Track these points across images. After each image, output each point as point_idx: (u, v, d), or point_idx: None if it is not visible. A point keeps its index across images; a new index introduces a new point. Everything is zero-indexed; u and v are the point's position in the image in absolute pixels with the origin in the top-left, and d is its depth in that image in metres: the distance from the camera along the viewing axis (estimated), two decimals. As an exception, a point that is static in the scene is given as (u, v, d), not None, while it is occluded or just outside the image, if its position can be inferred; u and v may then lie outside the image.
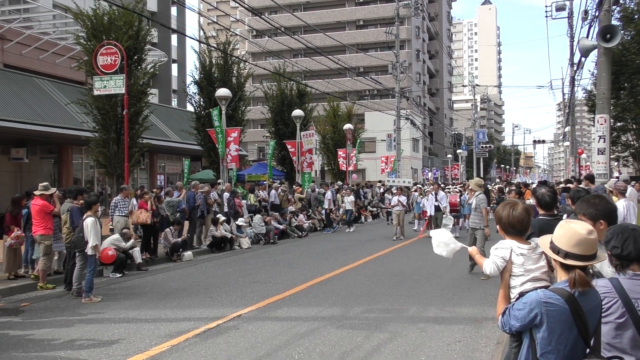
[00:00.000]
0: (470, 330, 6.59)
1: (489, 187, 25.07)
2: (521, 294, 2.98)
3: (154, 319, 7.28)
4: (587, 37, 15.23)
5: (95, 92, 15.15)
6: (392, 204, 18.86)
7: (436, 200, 17.55)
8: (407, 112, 43.10)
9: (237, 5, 32.36)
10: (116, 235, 11.59)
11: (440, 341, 6.13)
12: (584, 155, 41.80)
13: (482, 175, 54.76)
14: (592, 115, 17.12)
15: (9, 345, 6.18)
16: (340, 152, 29.03)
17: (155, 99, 31.88)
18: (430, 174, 51.74)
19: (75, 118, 21.13)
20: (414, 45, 60.94)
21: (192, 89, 24.67)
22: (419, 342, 6.11)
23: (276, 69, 29.51)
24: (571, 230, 2.51)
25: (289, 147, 25.23)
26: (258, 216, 17.19)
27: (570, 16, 31.29)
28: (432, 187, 19.72)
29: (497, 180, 53.56)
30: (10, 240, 9.90)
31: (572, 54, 30.14)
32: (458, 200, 17.77)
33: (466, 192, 18.82)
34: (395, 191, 19.64)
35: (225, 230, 15.36)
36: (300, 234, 18.70)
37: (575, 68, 28.20)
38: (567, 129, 39.21)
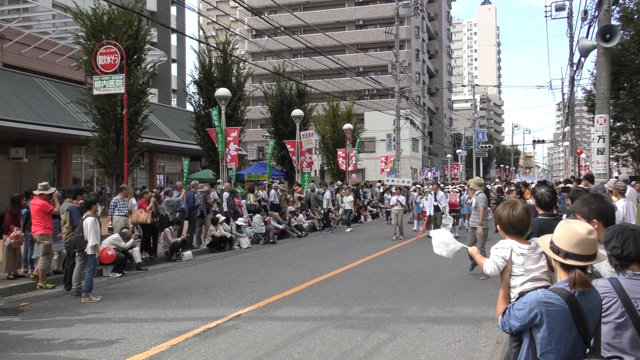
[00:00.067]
0: (470, 330, 6.59)
1: (488, 187, 25.05)
2: (521, 294, 2.98)
3: (154, 319, 7.28)
4: (587, 37, 15.23)
5: (95, 92, 15.15)
6: (391, 204, 18.86)
7: (435, 200, 17.55)
8: (407, 111, 43.09)
9: (236, 4, 32.36)
10: (116, 235, 11.59)
11: (440, 341, 6.13)
12: (583, 155, 41.78)
13: (481, 175, 54.72)
14: (592, 115, 17.12)
15: (9, 345, 6.17)
16: (340, 152, 29.02)
17: (155, 99, 31.87)
18: (429, 173, 51.74)
19: (74, 118, 21.13)
20: (414, 45, 60.94)
21: (192, 88, 24.68)
22: (418, 341, 6.11)
23: (276, 68, 29.50)
24: (571, 230, 2.52)
25: (288, 146, 25.22)
26: (258, 216, 17.19)
27: (569, 16, 31.31)
28: (431, 187, 19.73)
29: (497, 180, 53.57)
30: (10, 240, 9.90)
31: (571, 54, 30.17)
32: (458, 200, 17.77)
33: (465, 192, 18.85)
34: (394, 191, 19.63)
35: (225, 230, 15.35)
36: (299, 233, 18.70)
37: (574, 68, 28.22)
38: (567, 128, 39.23)
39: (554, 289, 2.52)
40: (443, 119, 74.53)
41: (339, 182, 27.06)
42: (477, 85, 75.18)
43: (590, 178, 11.31)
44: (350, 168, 28.62)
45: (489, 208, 12.11)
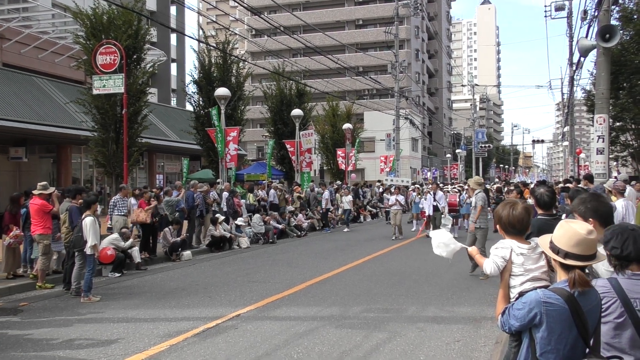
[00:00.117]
0: (469, 329, 6.59)
1: (487, 186, 25.05)
2: (521, 294, 2.98)
3: (153, 319, 7.28)
4: (586, 37, 15.23)
5: (95, 92, 15.15)
6: (390, 204, 18.87)
7: (434, 200, 17.55)
8: (406, 111, 43.11)
9: (236, 4, 32.35)
10: (115, 235, 11.58)
11: (440, 341, 6.13)
12: (582, 155, 41.81)
13: (481, 175, 54.72)
14: (591, 115, 17.11)
15: (8, 344, 6.17)
16: (340, 152, 29.03)
17: (155, 99, 31.85)
18: (429, 173, 51.73)
19: (74, 117, 21.12)
20: (413, 44, 60.95)
21: (191, 88, 24.70)
22: (418, 341, 6.11)
23: (275, 68, 29.52)
24: (571, 230, 2.51)
25: (288, 146, 25.22)
26: (257, 216, 17.18)
27: (569, 16, 31.33)
28: (430, 186, 19.73)
29: (496, 180, 53.58)
30: (9, 240, 9.89)
31: (571, 54, 30.18)
32: (457, 200, 17.77)
33: (464, 192, 18.86)
34: (393, 190, 19.64)
35: (224, 230, 15.35)
36: (299, 233, 18.70)
37: (574, 68, 28.25)
38: (566, 128, 39.28)
39: (553, 289, 2.52)
40: (442, 118, 74.55)
41: (339, 182, 27.06)
42: (476, 85, 75.27)
43: (589, 178, 11.30)
44: (350, 168, 28.63)
45: (488, 208, 12.10)
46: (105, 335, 6.49)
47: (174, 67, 40.74)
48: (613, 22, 14.76)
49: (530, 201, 5.37)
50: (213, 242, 14.84)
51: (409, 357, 5.60)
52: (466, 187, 19.23)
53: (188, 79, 26.15)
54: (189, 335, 6.37)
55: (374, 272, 10.91)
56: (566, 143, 40.20)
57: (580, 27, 37.94)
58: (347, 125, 28.94)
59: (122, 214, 12.68)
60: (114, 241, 11.16)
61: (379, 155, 40.35)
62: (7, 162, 21.50)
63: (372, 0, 61.51)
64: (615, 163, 30.91)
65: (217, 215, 15.46)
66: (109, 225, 13.23)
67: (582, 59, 23.05)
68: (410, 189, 23.56)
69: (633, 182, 11.97)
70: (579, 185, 11.23)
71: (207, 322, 6.93)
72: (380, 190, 29.65)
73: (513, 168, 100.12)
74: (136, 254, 11.70)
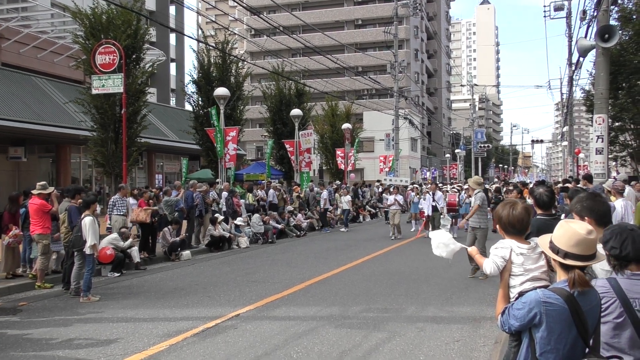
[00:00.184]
0: (468, 329, 6.60)
1: (487, 186, 25.04)
2: (520, 294, 2.99)
3: (152, 319, 7.27)
4: (586, 37, 15.25)
5: (94, 91, 15.14)
6: (388, 203, 18.87)
7: (434, 200, 17.56)
8: (406, 111, 43.11)
9: (235, 4, 32.35)
10: (114, 235, 11.57)
11: (439, 340, 6.13)
12: (581, 155, 41.84)
13: (480, 175, 54.73)
14: (590, 115, 17.10)
15: (7, 344, 6.16)
16: (339, 152, 29.03)
17: (154, 98, 31.85)
18: (428, 173, 51.74)
19: (73, 117, 21.11)
20: (413, 44, 60.95)
21: (191, 88, 24.71)
22: (417, 341, 6.11)
23: (275, 68, 29.52)
24: (571, 230, 2.52)
25: (287, 146, 25.22)
26: (256, 215, 17.18)
27: (568, 16, 31.33)
28: (429, 186, 19.72)
29: (495, 180, 53.60)
30: (9, 239, 9.88)
31: (570, 54, 30.19)
32: (457, 199, 17.76)
33: (463, 191, 18.85)
34: (392, 190, 19.64)
35: (224, 230, 15.34)
36: (298, 233, 18.69)
37: (573, 68, 28.25)
38: (566, 128, 39.29)
39: (553, 289, 2.52)
40: (442, 118, 74.58)
41: (338, 182, 27.07)
42: (475, 85, 75.28)
43: (588, 178, 11.31)
44: (349, 168, 28.64)
45: (488, 208, 12.09)
46: (105, 335, 6.49)
47: (173, 67, 40.74)
48: (612, 22, 14.76)
49: (530, 201, 5.37)
50: (212, 242, 14.83)
51: (409, 356, 5.60)
52: (465, 186, 19.24)
53: (187, 78, 26.20)
54: (188, 335, 6.37)
55: (373, 272, 10.91)
56: (565, 143, 40.22)
57: (580, 27, 37.97)
58: (346, 125, 28.94)
59: (121, 213, 12.67)
60: (113, 241, 11.15)
61: (378, 155, 40.35)
62: (6, 161, 21.49)
63: (372, 0, 61.52)
64: (614, 163, 30.94)
65: (217, 215, 15.45)
66: (108, 225, 13.23)
67: (581, 59, 23.10)
68: (408, 189, 23.54)
69: (633, 182, 11.98)
70: (578, 185, 11.23)
71: (207, 322, 6.93)
72: (380, 190, 29.66)
73: (512, 168, 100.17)
74: (135, 253, 11.69)
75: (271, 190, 20.30)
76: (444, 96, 78.81)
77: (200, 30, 31.39)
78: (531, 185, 15.08)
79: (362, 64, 57.24)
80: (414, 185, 24.57)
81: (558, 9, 30.91)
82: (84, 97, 16.75)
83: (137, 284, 10.05)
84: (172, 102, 40.18)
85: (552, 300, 2.44)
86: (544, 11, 50.81)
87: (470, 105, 73.34)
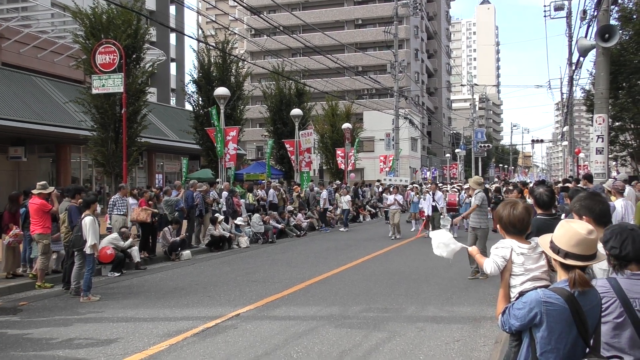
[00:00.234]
0: (468, 329, 6.59)
1: (487, 186, 25.02)
2: (521, 293, 2.99)
3: (152, 318, 7.28)
4: (586, 36, 15.24)
5: (94, 91, 15.13)
6: (388, 203, 18.87)
7: (434, 200, 17.55)
8: (406, 111, 43.11)
9: (235, 4, 32.35)
10: (114, 234, 11.57)
11: (439, 340, 6.13)
12: (581, 155, 41.81)
13: (480, 175, 54.73)
14: (591, 115, 17.10)
15: (7, 344, 6.16)
16: (339, 152, 29.02)
17: (154, 98, 31.86)
18: (428, 173, 51.72)
19: (73, 117, 21.10)
20: (413, 44, 60.94)
21: (191, 87, 24.71)
22: (417, 341, 6.11)
23: (275, 68, 29.51)
24: (571, 230, 2.52)
25: (287, 146, 25.22)
26: (257, 215, 17.18)
27: (568, 16, 31.32)
28: (429, 186, 19.71)
29: (495, 179, 53.59)
30: (9, 239, 9.89)
31: (570, 54, 30.19)
32: (457, 199, 17.75)
33: (463, 191, 18.84)
34: (392, 190, 19.64)
35: (224, 230, 15.34)
36: (298, 233, 18.69)
37: (573, 68, 28.25)
38: (566, 128, 39.29)
39: (553, 289, 2.52)
40: (442, 118, 74.57)
41: (338, 182, 27.07)
42: (476, 84, 75.28)
43: (588, 178, 11.31)
44: (349, 167, 28.64)
45: (488, 208, 12.08)
46: (105, 335, 6.49)
47: (173, 66, 40.74)
48: (612, 22, 14.76)
49: (531, 201, 5.37)
50: (212, 242, 14.83)
51: (409, 356, 5.60)
52: (465, 186, 19.23)
53: (187, 78, 26.20)
54: (188, 335, 6.37)
55: (373, 271, 10.91)
56: (565, 143, 40.23)
57: (580, 27, 37.94)
58: (346, 125, 28.94)
59: (122, 213, 12.68)
60: (113, 240, 11.15)
61: (378, 154, 40.35)
62: (6, 161, 21.49)
63: (372, 0, 61.52)
64: (614, 163, 30.94)
65: (217, 214, 15.45)
66: (109, 225, 13.23)
67: (581, 58, 23.08)
68: (408, 189, 23.54)
69: (634, 182, 11.98)
70: (579, 185, 11.23)
71: (207, 322, 6.93)
72: (380, 190, 29.66)
73: (512, 168, 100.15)
74: (135, 253, 11.70)
75: (271, 190, 20.30)
76: (444, 96, 78.80)
77: (200, 30, 31.36)
78: (531, 185, 15.07)
79: (362, 63, 57.24)
80: (414, 185, 24.58)
81: (558, 8, 30.89)
82: (84, 96, 16.75)
83: (137, 283, 10.05)
84: (172, 101, 40.19)
85: (552, 300, 2.44)
86: (544, 11, 50.84)
87: (470, 105, 73.33)
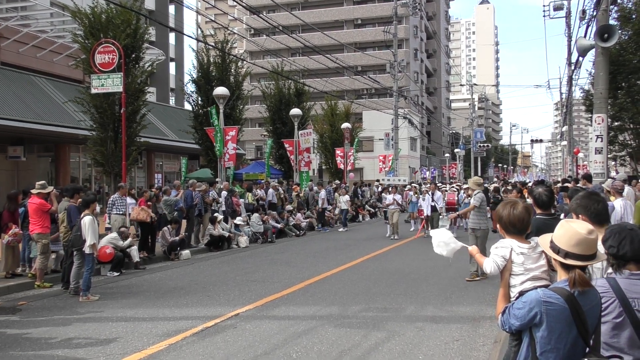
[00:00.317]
0: (468, 329, 6.60)
1: (486, 186, 25.02)
2: (521, 293, 2.99)
3: (152, 318, 7.27)
4: (585, 36, 15.26)
5: (93, 91, 15.11)
6: (387, 203, 18.88)
7: (433, 200, 17.56)
8: (405, 111, 43.12)
9: (235, 3, 32.32)
10: (114, 234, 11.57)
11: (438, 340, 6.13)
12: (581, 155, 41.85)
13: (479, 175, 54.75)
14: (590, 115, 17.12)
15: (6, 344, 6.16)
16: (338, 151, 29.03)
17: (153, 98, 31.83)
18: (427, 173, 51.73)
19: (72, 116, 21.08)
20: (412, 44, 60.96)
21: (190, 87, 24.67)
22: (416, 341, 6.11)
23: (274, 67, 29.50)
24: (571, 230, 2.52)
25: (286, 145, 25.23)
26: (256, 215, 17.18)
27: (567, 16, 31.33)
28: (428, 186, 19.72)
29: (495, 179, 53.61)
30: (8, 238, 9.88)
31: (569, 54, 30.20)
32: (456, 198, 17.76)
33: (462, 191, 18.85)
34: (391, 189, 19.65)
35: (223, 229, 15.34)
36: (298, 232, 18.70)
37: (572, 67, 28.27)
38: (565, 128, 39.29)
39: (553, 288, 2.52)
40: (441, 118, 74.60)
41: (337, 182, 27.07)
42: (475, 84, 75.34)
43: (588, 177, 11.32)
44: (349, 167, 28.65)
45: (487, 208, 12.09)
46: (104, 335, 6.49)
47: (172, 66, 40.74)
48: (611, 21, 14.77)
49: (530, 201, 5.38)
50: (212, 242, 14.83)
51: (408, 356, 5.60)
52: (465, 186, 19.24)
53: (187, 78, 26.16)
54: (187, 335, 6.37)
55: (372, 271, 10.92)
56: (565, 142, 40.23)
57: (579, 27, 37.99)
58: (345, 125, 28.93)
59: (121, 212, 12.67)
60: (112, 240, 11.15)
61: (377, 154, 40.35)
62: (5, 161, 21.47)
63: (371, -1, 61.58)
64: (613, 163, 30.96)
65: (216, 214, 15.45)
66: (108, 225, 13.22)
67: (580, 58, 23.12)
68: (406, 189, 23.54)
69: (634, 182, 11.98)
70: (578, 185, 11.24)
71: (206, 322, 6.93)
72: (379, 189, 29.66)
73: (512, 168, 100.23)
74: (135, 253, 11.69)
75: (270, 190, 20.30)
76: (443, 96, 78.84)
77: (199, 30, 31.33)
78: (530, 185, 15.08)
79: (361, 63, 57.23)
80: (412, 184, 24.59)
81: (557, 8, 30.92)
82: (83, 96, 16.72)
83: (137, 283, 10.05)
84: (172, 101, 40.18)
85: (552, 300, 2.45)
86: (544, 11, 50.81)
87: (469, 104, 73.36)
